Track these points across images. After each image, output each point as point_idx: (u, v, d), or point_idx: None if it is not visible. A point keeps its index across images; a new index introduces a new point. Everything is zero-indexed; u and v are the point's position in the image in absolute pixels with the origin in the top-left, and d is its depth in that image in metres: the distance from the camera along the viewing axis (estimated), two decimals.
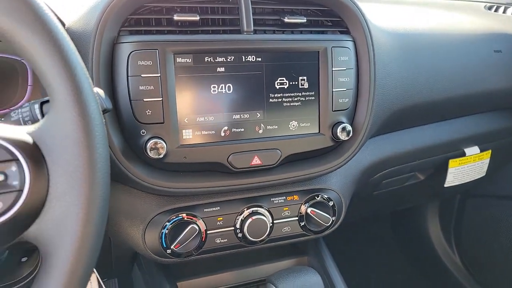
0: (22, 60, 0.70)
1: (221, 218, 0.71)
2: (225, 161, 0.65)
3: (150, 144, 0.59)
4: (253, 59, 0.65)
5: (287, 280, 0.67)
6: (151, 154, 0.60)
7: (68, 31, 0.62)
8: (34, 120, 0.47)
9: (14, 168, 0.33)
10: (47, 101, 0.48)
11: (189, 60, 0.62)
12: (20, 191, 0.33)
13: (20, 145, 0.34)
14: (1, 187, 0.32)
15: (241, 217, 0.72)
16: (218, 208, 0.71)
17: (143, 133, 0.61)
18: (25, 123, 0.47)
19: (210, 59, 0.63)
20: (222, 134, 0.65)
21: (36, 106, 0.47)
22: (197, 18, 0.62)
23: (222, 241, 0.72)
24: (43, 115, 0.47)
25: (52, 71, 0.34)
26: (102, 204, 0.35)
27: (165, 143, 0.61)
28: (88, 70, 0.59)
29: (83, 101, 0.35)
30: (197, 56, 0.62)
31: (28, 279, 0.75)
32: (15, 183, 0.33)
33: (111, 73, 0.60)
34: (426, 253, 1.57)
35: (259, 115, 0.67)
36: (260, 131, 0.68)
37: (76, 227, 0.33)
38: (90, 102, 0.35)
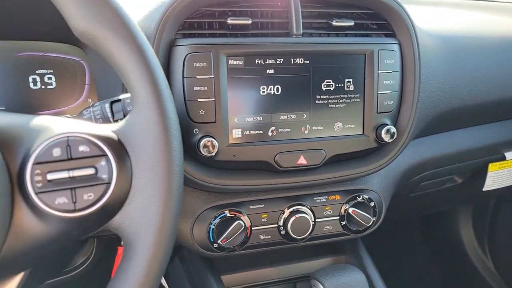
0: (81, 61, 0.75)
1: (266, 215, 0.73)
2: (272, 160, 0.68)
3: (203, 142, 0.62)
4: (301, 61, 0.67)
5: (332, 277, 0.68)
6: (203, 152, 0.62)
7: None
8: (104, 118, 0.50)
9: (103, 162, 0.36)
10: (116, 101, 0.51)
11: (240, 62, 0.64)
12: (108, 183, 0.36)
13: (107, 141, 0.37)
14: (93, 180, 0.35)
15: (284, 215, 0.74)
16: (263, 205, 0.73)
17: (196, 131, 0.64)
18: (96, 121, 0.51)
19: (261, 61, 0.65)
20: (270, 134, 0.68)
21: (107, 106, 0.51)
22: (250, 21, 0.64)
23: (265, 237, 0.74)
24: (113, 114, 0.50)
25: (136, 75, 0.37)
26: (178, 196, 0.38)
27: (217, 141, 0.63)
28: None
29: (163, 102, 0.37)
30: (248, 59, 0.64)
31: (81, 268, 0.80)
32: (104, 176, 0.36)
33: (167, 75, 0.63)
34: (458, 258, 1.55)
35: (305, 116, 0.69)
36: (306, 132, 0.69)
37: (156, 217, 0.36)
38: (168, 103, 0.38)
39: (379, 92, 0.71)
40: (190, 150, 0.64)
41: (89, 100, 0.75)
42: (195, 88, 0.62)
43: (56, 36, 0.72)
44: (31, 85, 0.72)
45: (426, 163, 0.92)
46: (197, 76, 0.62)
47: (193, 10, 0.63)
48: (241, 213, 0.72)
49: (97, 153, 0.36)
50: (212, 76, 0.62)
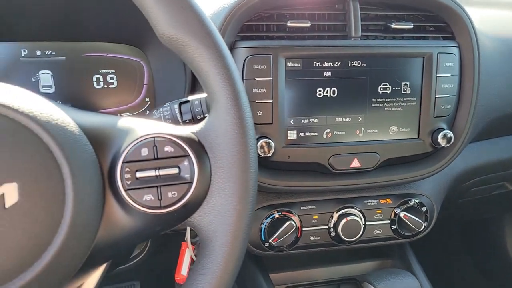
0: (140, 62, 0.78)
1: (316, 217, 0.74)
2: (326, 162, 0.68)
3: (259, 143, 0.63)
4: (359, 64, 0.67)
5: (386, 281, 0.68)
6: (260, 152, 0.64)
7: None
8: (173, 119, 0.52)
9: (186, 163, 0.38)
10: (184, 102, 0.53)
11: (298, 65, 0.65)
12: (190, 183, 0.38)
13: (189, 143, 0.38)
14: (176, 179, 0.37)
15: (335, 217, 0.74)
16: (314, 206, 0.73)
17: None
18: (166, 121, 0.53)
19: (318, 64, 0.66)
20: (324, 136, 0.68)
21: (175, 106, 0.53)
22: (309, 24, 0.64)
23: (315, 238, 0.74)
24: (181, 115, 0.52)
25: (217, 80, 0.39)
26: (254, 196, 0.39)
27: (273, 142, 0.64)
28: None
29: (241, 105, 0.39)
30: (306, 61, 0.65)
31: (136, 259, 0.83)
32: (187, 176, 0.38)
33: None
34: (503, 266, 1.49)
35: (360, 119, 0.69)
36: (361, 135, 0.69)
37: (233, 216, 0.38)
38: (246, 108, 0.39)
39: (436, 96, 0.70)
40: None
41: (147, 99, 0.78)
42: (254, 90, 0.63)
43: (118, 38, 0.75)
44: (95, 84, 0.75)
45: (479, 168, 0.89)
46: (256, 78, 0.63)
47: (253, 13, 0.64)
48: (292, 213, 0.72)
49: (180, 153, 0.38)
50: (271, 78, 0.63)
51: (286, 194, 0.73)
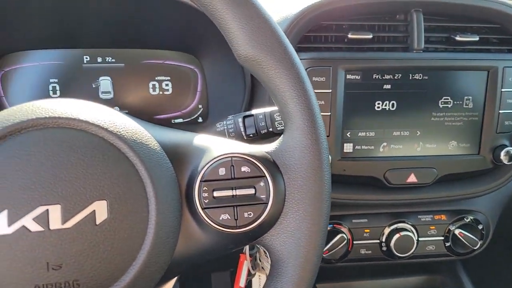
0: (194, 69, 0.79)
1: (368, 230, 0.72)
2: (382, 177, 0.67)
3: None
4: (420, 77, 0.65)
5: None
6: None
7: None
8: (237, 132, 0.53)
9: (262, 183, 0.38)
10: (248, 116, 0.53)
11: (358, 77, 0.64)
12: (266, 203, 0.38)
13: (265, 163, 0.38)
14: (252, 199, 0.38)
15: (387, 231, 0.73)
16: (366, 220, 0.72)
17: None
18: (229, 134, 0.53)
19: (378, 76, 0.64)
20: (381, 149, 0.67)
21: (239, 120, 0.53)
22: (370, 36, 0.63)
23: (366, 252, 0.73)
24: (245, 128, 0.53)
25: (294, 100, 0.38)
26: (327, 219, 0.39)
27: (329, 155, 0.63)
28: None
29: (317, 128, 0.38)
30: (365, 73, 0.64)
31: None
32: (263, 196, 0.38)
33: None
34: None
35: (419, 133, 0.67)
36: (418, 149, 0.68)
37: (307, 238, 0.37)
38: (322, 129, 0.39)
39: (500, 111, 0.67)
40: None
41: (200, 106, 0.79)
42: None
43: (174, 45, 0.76)
44: (151, 90, 0.77)
45: None
46: (315, 90, 0.62)
47: (314, 24, 0.64)
48: (343, 226, 0.72)
49: (256, 174, 0.38)
50: (330, 91, 0.63)
51: (338, 206, 0.72)
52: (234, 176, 0.38)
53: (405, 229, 0.72)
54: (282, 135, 0.41)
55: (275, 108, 0.53)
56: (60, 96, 0.73)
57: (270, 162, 0.39)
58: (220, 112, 0.77)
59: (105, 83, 0.75)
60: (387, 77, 0.64)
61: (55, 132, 0.34)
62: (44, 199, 0.33)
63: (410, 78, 0.65)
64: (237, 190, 0.38)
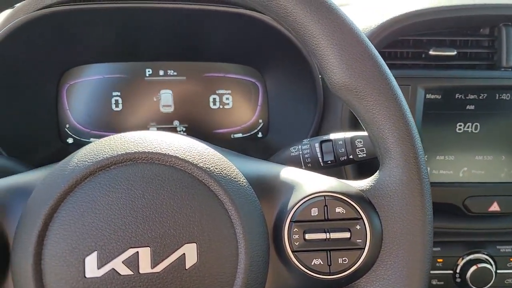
0: (256, 82, 0.76)
1: (441, 260, 0.67)
2: (461, 204, 0.61)
3: None
4: (508, 97, 0.59)
5: None
6: None
7: None
8: (313, 158, 0.50)
9: (358, 226, 0.34)
10: (326, 141, 0.50)
11: (438, 97, 0.59)
12: (362, 249, 0.34)
13: (361, 203, 0.35)
14: (347, 244, 0.34)
15: (462, 261, 0.67)
16: (439, 248, 0.67)
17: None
18: (305, 159, 0.50)
19: (461, 96, 0.59)
20: (461, 175, 0.61)
21: (316, 145, 0.50)
22: (454, 52, 0.58)
23: (438, 283, 0.68)
24: (322, 154, 0.49)
25: (394, 136, 0.35)
26: (428, 269, 0.35)
27: None
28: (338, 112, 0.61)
29: (420, 167, 0.35)
30: (447, 93, 0.59)
31: None
32: (359, 241, 0.34)
33: None
34: None
35: (504, 157, 0.61)
36: (502, 175, 0.62)
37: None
38: (424, 168, 0.35)
39: None
40: None
41: (260, 120, 0.76)
42: None
43: (236, 59, 0.74)
44: (211, 104, 0.75)
45: None
46: None
47: (392, 39, 0.59)
48: None
49: (352, 216, 0.35)
50: None
51: None
52: (327, 218, 0.35)
53: (482, 260, 0.66)
54: (378, 171, 0.37)
55: (355, 133, 0.50)
56: (123, 109, 0.72)
57: (366, 202, 0.36)
58: (281, 129, 0.74)
59: (166, 97, 0.74)
60: (470, 97, 0.59)
61: (144, 168, 0.32)
62: (134, 241, 0.31)
63: (497, 98, 0.59)
64: (331, 233, 0.34)
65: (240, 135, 0.77)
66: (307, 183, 0.37)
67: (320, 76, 0.62)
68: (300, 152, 0.51)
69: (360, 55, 0.35)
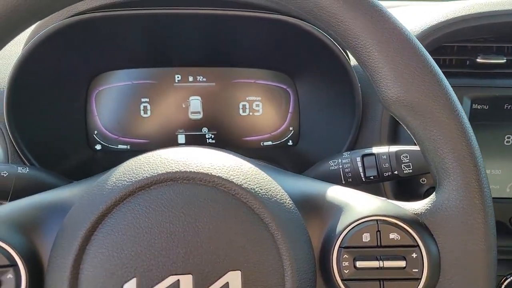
0: (287, 89, 0.74)
1: None
2: (507, 221, 0.58)
3: None
4: None
5: None
6: None
7: None
8: (355, 172, 0.47)
9: (414, 254, 0.32)
10: (369, 155, 0.47)
11: (485, 107, 0.55)
12: (418, 279, 0.32)
13: (417, 229, 0.32)
14: (402, 273, 0.32)
15: (507, 281, 0.63)
16: None
17: (423, 181, 0.57)
18: (345, 174, 0.47)
19: (510, 107, 0.55)
20: (508, 190, 0.58)
21: (358, 159, 0.47)
22: (504, 60, 0.55)
23: None
24: (364, 169, 0.47)
25: (455, 156, 0.32)
26: None
27: None
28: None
29: (483, 189, 0.32)
30: (495, 103, 0.55)
31: None
32: (415, 271, 0.32)
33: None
34: None
35: None
36: None
37: None
38: (488, 190, 0.32)
39: None
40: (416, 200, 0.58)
41: (291, 128, 0.74)
42: None
43: (267, 64, 0.72)
44: (240, 111, 0.73)
45: None
46: None
47: (436, 46, 0.56)
48: None
49: (408, 243, 0.32)
50: None
51: None
52: (380, 244, 0.32)
53: None
54: (434, 193, 0.34)
55: (400, 147, 0.47)
56: (151, 116, 0.71)
57: (422, 228, 0.33)
58: (313, 138, 0.71)
59: (195, 103, 0.72)
60: None
61: (186, 189, 0.30)
62: (175, 268, 0.29)
63: None
64: (384, 261, 0.32)
65: (270, 143, 0.75)
66: (357, 204, 0.34)
67: (359, 84, 0.59)
68: (340, 166, 0.48)
69: (418, 67, 0.32)
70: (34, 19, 0.31)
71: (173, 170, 0.31)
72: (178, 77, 0.72)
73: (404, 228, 0.32)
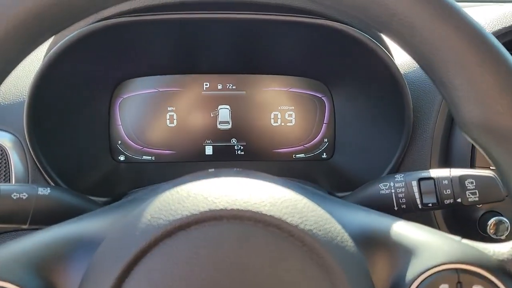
0: (322, 98, 0.69)
1: None
2: None
3: (492, 221, 0.49)
4: None
5: None
6: (490, 233, 0.50)
7: None
8: (410, 198, 0.42)
9: None
10: (426, 178, 0.42)
11: None
12: None
13: (505, 280, 0.27)
14: None
15: None
16: None
17: (479, 205, 0.51)
18: (398, 199, 0.42)
19: None
20: None
21: (413, 183, 0.42)
22: None
23: None
24: (421, 194, 0.41)
25: None
26: None
27: (508, 221, 0.50)
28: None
29: None
30: None
31: None
32: None
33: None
34: None
35: None
36: None
37: None
38: None
39: None
40: (470, 229, 0.52)
41: (325, 140, 0.69)
42: None
43: (301, 71, 0.67)
44: (272, 121, 0.68)
45: None
46: None
47: None
48: None
49: None
50: None
51: None
52: None
53: None
54: None
55: (464, 171, 0.41)
56: (177, 125, 0.67)
57: (508, 276, 0.27)
58: (350, 151, 0.66)
59: (224, 112, 0.68)
60: None
61: (231, 229, 0.26)
62: None
63: None
64: None
65: (302, 155, 0.70)
66: (430, 246, 0.29)
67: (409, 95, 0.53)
68: (393, 190, 0.43)
69: (509, 87, 0.27)
70: (72, 18, 0.27)
71: (217, 208, 0.26)
72: (206, 84, 0.67)
73: (490, 280, 0.27)
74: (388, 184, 0.43)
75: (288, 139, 0.69)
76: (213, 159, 0.69)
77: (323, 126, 0.69)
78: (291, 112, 0.69)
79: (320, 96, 0.68)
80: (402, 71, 0.54)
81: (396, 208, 0.43)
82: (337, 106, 0.68)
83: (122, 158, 0.67)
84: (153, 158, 0.68)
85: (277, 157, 0.69)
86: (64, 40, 0.50)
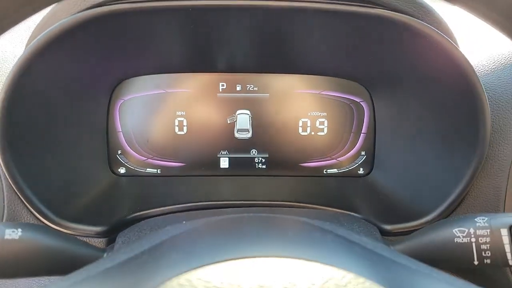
0: (361, 103, 0.57)
1: None
2: None
3: None
4: None
5: None
6: None
7: None
8: (497, 249, 0.31)
9: None
10: None
11: None
12: None
13: None
14: None
15: None
16: None
17: None
18: (481, 251, 0.31)
19: None
20: None
21: (503, 231, 0.31)
22: None
23: None
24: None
25: None
26: None
27: None
28: None
29: None
30: None
31: None
32: None
33: None
34: None
35: None
36: None
37: None
38: None
39: None
40: None
41: (363, 152, 0.58)
42: None
43: (336, 70, 0.56)
44: (300, 129, 0.58)
45: None
46: None
47: None
48: None
49: None
50: None
51: None
52: None
53: None
54: None
55: None
56: (187, 133, 0.57)
57: None
58: (392, 169, 0.55)
59: (242, 118, 0.58)
60: None
61: None
62: None
63: None
64: None
65: (335, 170, 0.59)
66: None
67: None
68: (473, 239, 0.32)
69: None
70: None
71: None
72: (222, 85, 0.57)
73: None
74: (467, 230, 0.32)
75: (318, 151, 0.58)
76: (229, 173, 0.59)
77: (361, 137, 0.58)
78: (322, 119, 0.58)
79: (358, 100, 0.57)
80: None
81: (476, 263, 0.32)
82: (378, 112, 0.56)
83: (122, 170, 0.57)
84: (159, 171, 0.58)
85: (305, 172, 0.59)
86: (45, 33, 0.39)
